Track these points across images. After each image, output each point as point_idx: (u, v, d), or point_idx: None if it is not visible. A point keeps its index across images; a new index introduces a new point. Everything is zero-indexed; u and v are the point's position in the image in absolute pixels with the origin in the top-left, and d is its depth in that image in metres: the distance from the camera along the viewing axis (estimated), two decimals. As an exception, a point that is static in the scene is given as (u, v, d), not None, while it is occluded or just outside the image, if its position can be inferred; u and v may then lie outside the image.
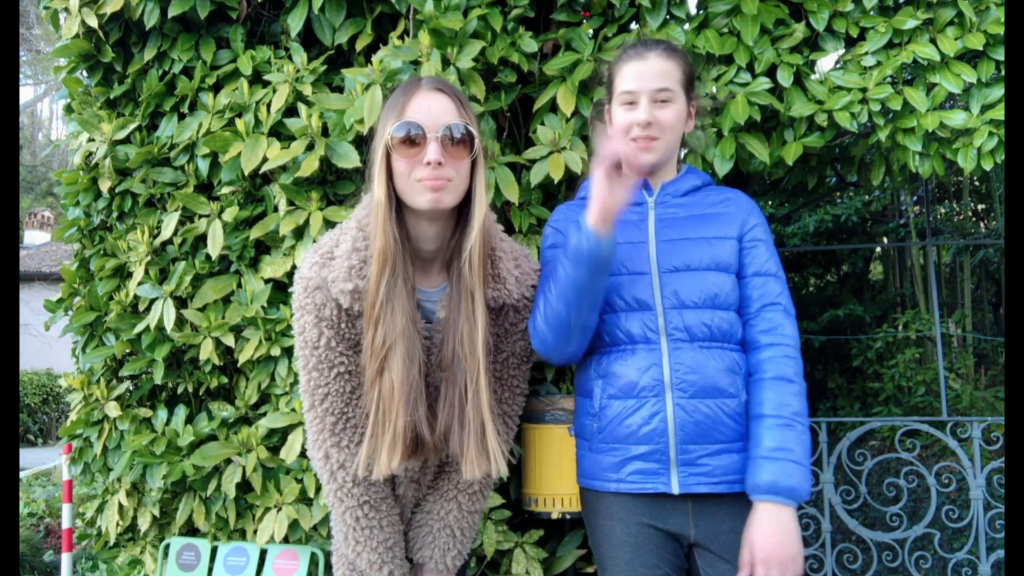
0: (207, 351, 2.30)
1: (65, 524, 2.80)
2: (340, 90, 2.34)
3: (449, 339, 1.41)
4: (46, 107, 24.04)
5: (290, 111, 2.29)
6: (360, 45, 2.31)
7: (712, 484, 1.43)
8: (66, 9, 2.55)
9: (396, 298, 1.35)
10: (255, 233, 2.26)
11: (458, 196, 1.39)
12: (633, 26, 2.33)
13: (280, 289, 2.34)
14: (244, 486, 2.32)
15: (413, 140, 1.34)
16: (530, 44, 2.15)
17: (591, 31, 2.31)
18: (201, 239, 2.40)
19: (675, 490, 1.44)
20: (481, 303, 1.40)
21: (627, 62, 1.53)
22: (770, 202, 5.07)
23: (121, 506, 2.52)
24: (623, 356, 1.49)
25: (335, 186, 2.25)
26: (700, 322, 1.46)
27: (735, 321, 1.49)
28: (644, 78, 1.50)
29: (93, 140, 2.54)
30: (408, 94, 1.38)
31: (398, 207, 1.39)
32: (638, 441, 1.45)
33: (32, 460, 8.02)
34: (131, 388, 2.55)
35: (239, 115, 2.31)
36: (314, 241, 2.16)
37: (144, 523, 2.48)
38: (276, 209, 2.29)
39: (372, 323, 1.35)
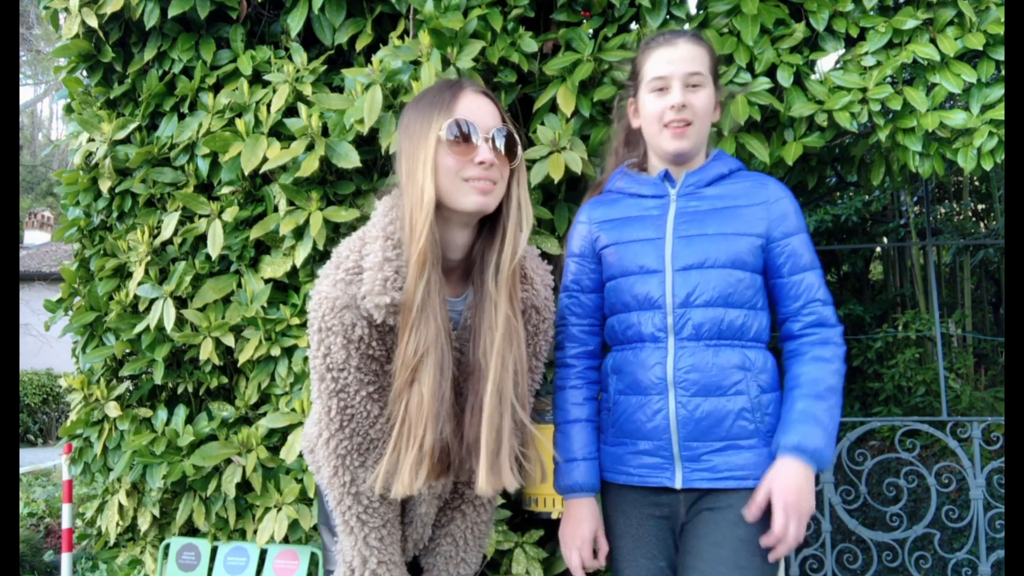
0: (207, 351, 2.30)
1: (65, 524, 2.79)
2: (340, 90, 2.33)
3: (473, 348, 1.38)
4: (46, 107, 24.02)
5: (290, 111, 2.29)
6: (360, 45, 2.31)
7: (716, 480, 1.45)
8: (66, 9, 2.55)
9: (430, 305, 1.30)
10: (255, 233, 2.26)
11: (498, 201, 1.36)
12: (633, 26, 2.33)
13: (280, 289, 2.34)
14: (244, 486, 2.32)
15: (466, 138, 1.31)
16: (530, 44, 2.15)
17: (591, 31, 2.31)
18: (201, 239, 2.40)
19: (678, 485, 1.46)
20: (506, 313, 1.36)
21: (656, 49, 1.54)
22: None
23: (121, 506, 2.52)
24: (633, 353, 1.51)
25: (335, 186, 2.25)
26: (710, 320, 1.46)
27: (749, 317, 1.49)
28: (676, 62, 1.50)
29: (93, 140, 2.54)
30: (455, 92, 1.34)
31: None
32: (644, 436, 1.49)
33: (32, 460, 8.02)
34: (131, 388, 2.55)
35: (239, 115, 2.31)
36: (314, 241, 2.17)
37: (144, 523, 2.48)
38: (276, 209, 2.29)
39: (408, 329, 1.29)
